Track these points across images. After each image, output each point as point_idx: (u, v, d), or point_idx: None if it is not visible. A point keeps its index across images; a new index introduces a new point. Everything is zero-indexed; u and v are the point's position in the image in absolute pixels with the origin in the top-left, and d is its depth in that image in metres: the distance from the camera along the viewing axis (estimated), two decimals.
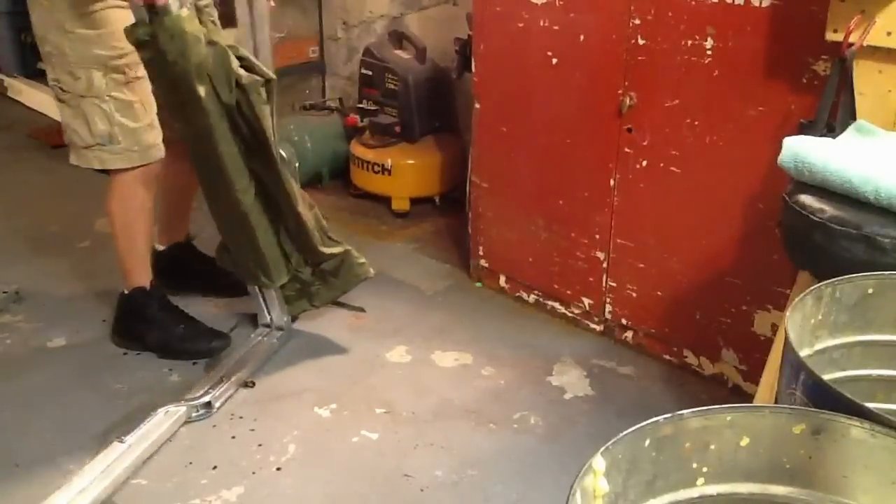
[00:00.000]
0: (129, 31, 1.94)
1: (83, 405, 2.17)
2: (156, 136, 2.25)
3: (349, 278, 2.46)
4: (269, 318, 2.48)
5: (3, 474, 1.92)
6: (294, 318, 2.53)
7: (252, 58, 2.15)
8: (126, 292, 2.41)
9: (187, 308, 2.49)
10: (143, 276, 2.40)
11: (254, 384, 2.27)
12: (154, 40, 1.92)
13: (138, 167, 2.22)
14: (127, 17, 2.03)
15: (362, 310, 2.63)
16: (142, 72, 2.14)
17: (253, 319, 2.52)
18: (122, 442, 1.93)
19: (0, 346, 2.41)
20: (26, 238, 3.00)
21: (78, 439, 2.04)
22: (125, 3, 2.05)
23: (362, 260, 2.47)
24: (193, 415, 2.10)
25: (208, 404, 2.13)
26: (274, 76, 2.12)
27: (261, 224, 2.27)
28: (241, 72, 2.06)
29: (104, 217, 3.14)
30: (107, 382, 2.26)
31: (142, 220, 2.33)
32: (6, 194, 3.26)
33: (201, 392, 2.15)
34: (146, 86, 2.18)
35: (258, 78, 2.08)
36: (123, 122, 2.17)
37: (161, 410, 2.05)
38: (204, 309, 2.62)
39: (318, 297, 2.49)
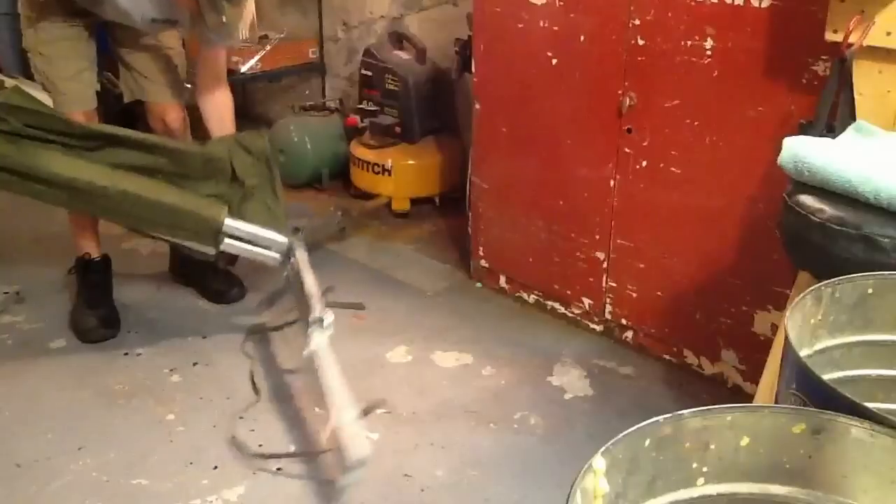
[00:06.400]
0: None
1: (83, 405, 2.17)
2: None
3: (255, 148, 2.38)
4: (279, 248, 2.34)
5: (4, 474, 1.92)
6: (297, 230, 2.44)
7: None
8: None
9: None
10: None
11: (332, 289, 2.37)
12: None
13: None
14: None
15: (361, 306, 2.63)
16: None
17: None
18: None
19: (1, 347, 2.41)
20: (28, 239, 3.00)
21: (78, 440, 2.04)
22: None
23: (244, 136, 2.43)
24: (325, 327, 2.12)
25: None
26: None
27: (157, 190, 2.22)
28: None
29: None
30: (107, 383, 2.26)
31: None
32: (7, 194, 3.26)
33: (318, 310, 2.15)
34: None
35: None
36: None
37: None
38: (202, 306, 2.63)
39: (274, 193, 2.41)
